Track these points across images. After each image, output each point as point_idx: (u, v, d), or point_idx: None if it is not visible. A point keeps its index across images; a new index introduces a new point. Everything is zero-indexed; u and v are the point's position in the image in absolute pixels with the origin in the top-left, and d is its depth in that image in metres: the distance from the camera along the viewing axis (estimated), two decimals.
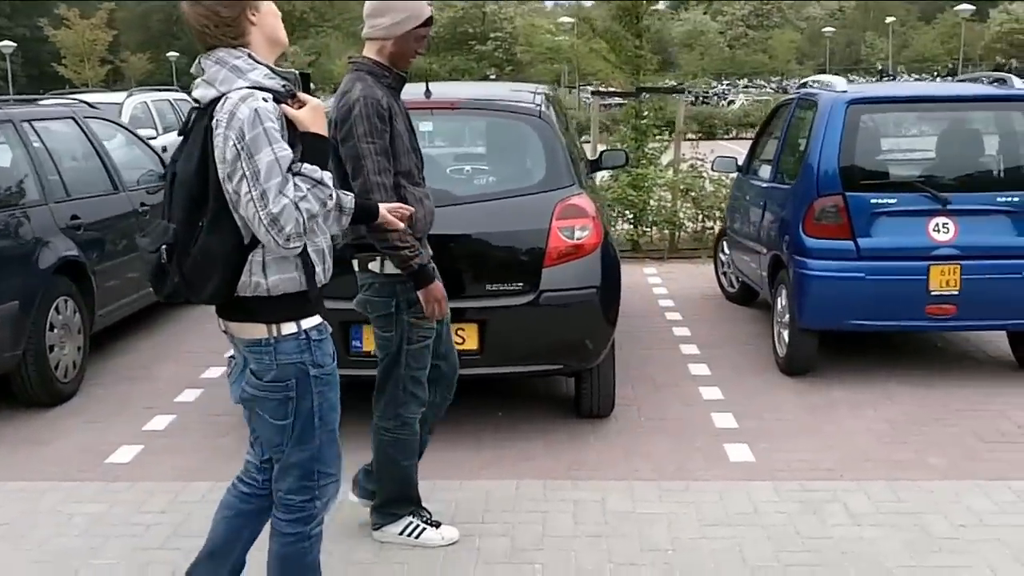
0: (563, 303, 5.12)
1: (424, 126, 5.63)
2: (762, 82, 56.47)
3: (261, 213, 2.75)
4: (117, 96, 15.01)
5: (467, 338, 5.06)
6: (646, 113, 11.58)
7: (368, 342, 5.10)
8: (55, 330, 6.12)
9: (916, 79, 39.78)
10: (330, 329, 3.11)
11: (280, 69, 2.98)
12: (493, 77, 54.08)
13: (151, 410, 5.97)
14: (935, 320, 6.05)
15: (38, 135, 6.71)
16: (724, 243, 8.67)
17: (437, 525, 4.21)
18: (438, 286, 3.89)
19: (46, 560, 4.13)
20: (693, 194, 11.15)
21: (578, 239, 5.12)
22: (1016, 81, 6.62)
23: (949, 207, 5.99)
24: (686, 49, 74.57)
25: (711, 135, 29.43)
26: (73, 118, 7.42)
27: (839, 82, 6.81)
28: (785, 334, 6.40)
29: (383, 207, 3.45)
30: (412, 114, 4.10)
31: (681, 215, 11.17)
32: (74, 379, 6.33)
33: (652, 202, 11.04)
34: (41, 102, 8.35)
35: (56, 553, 4.18)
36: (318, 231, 3.01)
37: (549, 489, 4.71)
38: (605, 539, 4.20)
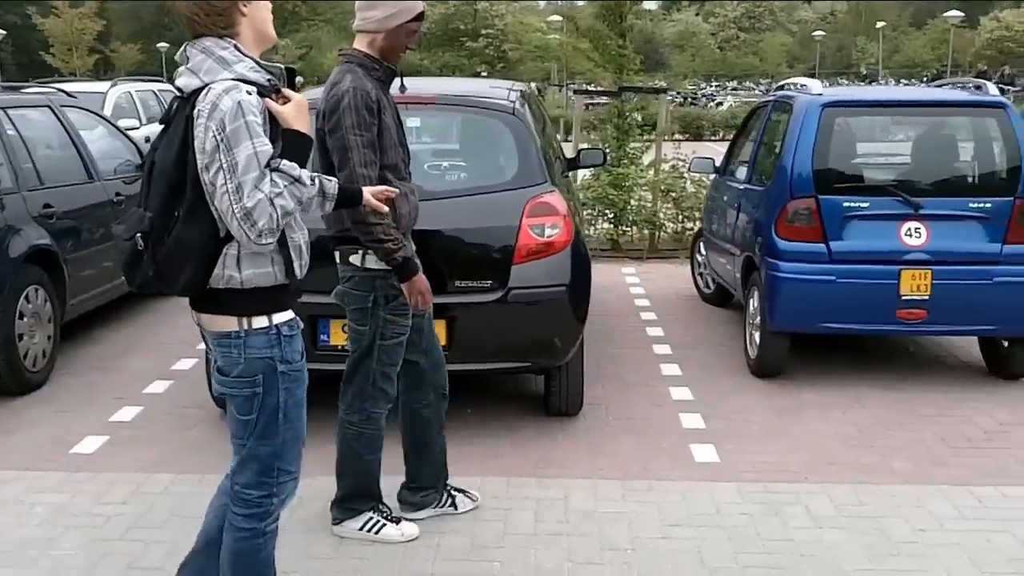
0: (532, 301, 5.12)
1: (411, 122, 5.61)
2: (751, 84, 56.54)
3: (235, 207, 2.74)
4: (101, 86, 14.92)
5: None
6: (628, 113, 11.57)
7: (336, 336, 5.09)
8: (24, 319, 6.09)
9: (906, 84, 39.85)
10: (301, 325, 3.10)
11: (266, 63, 2.97)
12: (484, 74, 54.05)
13: (120, 400, 5.95)
14: (906, 324, 6.06)
15: (12, 123, 6.67)
16: (701, 244, 8.68)
17: (397, 521, 4.20)
18: (422, 279, 3.89)
19: (4, 550, 4.11)
20: (674, 195, 11.17)
21: (548, 237, 5.12)
22: (991, 88, 6.64)
23: (921, 212, 6.01)
24: (677, 50, 74.73)
25: (698, 136, 29.47)
26: (49, 106, 7.38)
27: (815, 85, 6.82)
28: (756, 336, 6.41)
29: (367, 190, 3.43)
30: None
31: (661, 215, 11.18)
32: (43, 368, 6.31)
33: (633, 202, 11.05)
34: (24, 90, 8.30)
35: (15, 543, 4.16)
36: (295, 227, 3.01)
37: (513, 487, 4.71)
38: (566, 537, 4.20)
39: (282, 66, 3.04)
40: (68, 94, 8.14)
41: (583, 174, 11.15)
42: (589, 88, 15.54)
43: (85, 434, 5.40)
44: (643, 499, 4.58)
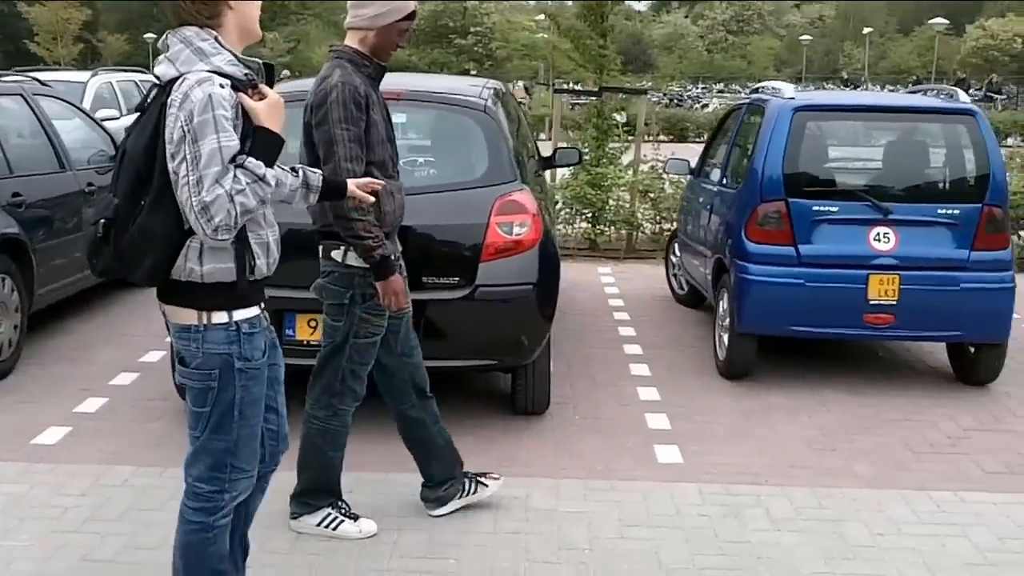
0: (499, 298, 5.11)
1: (398, 118, 5.58)
2: (738, 88, 56.62)
3: (194, 199, 2.73)
4: (82, 75, 14.83)
5: None
6: (608, 113, 11.57)
7: (301, 331, 5.08)
8: None
9: (891, 90, 39.95)
10: (266, 323, 3.08)
11: (244, 58, 2.96)
12: (474, 72, 53.98)
13: (85, 392, 5.91)
14: (873, 329, 6.08)
15: None
16: (675, 245, 8.69)
17: (355, 518, 4.19)
18: (397, 280, 3.88)
19: None
20: (652, 195, 11.18)
21: (516, 235, 5.11)
22: (962, 95, 6.67)
23: (890, 217, 6.03)
24: (665, 51, 74.85)
25: (683, 138, 29.49)
26: (21, 95, 7.34)
27: (787, 88, 6.84)
28: (725, 337, 6.42)
29: (351, 182, 3.39)
30: None
31: (639, 216, 11.18)
32: (10, 358, 6.27)
33: (611, 202, 11.05)
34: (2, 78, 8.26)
35: None
36: (264, 224, 3.00)
37: None
38: (524, 536, 4.20)
39: (260, 62, 3.02)
40: (42, 83, 8.09)
41: (562, 173, 11.15)
42: (567, 88, 15.56)
43: (48, 424, 5.37)
44: (604, 499, 4.59)
